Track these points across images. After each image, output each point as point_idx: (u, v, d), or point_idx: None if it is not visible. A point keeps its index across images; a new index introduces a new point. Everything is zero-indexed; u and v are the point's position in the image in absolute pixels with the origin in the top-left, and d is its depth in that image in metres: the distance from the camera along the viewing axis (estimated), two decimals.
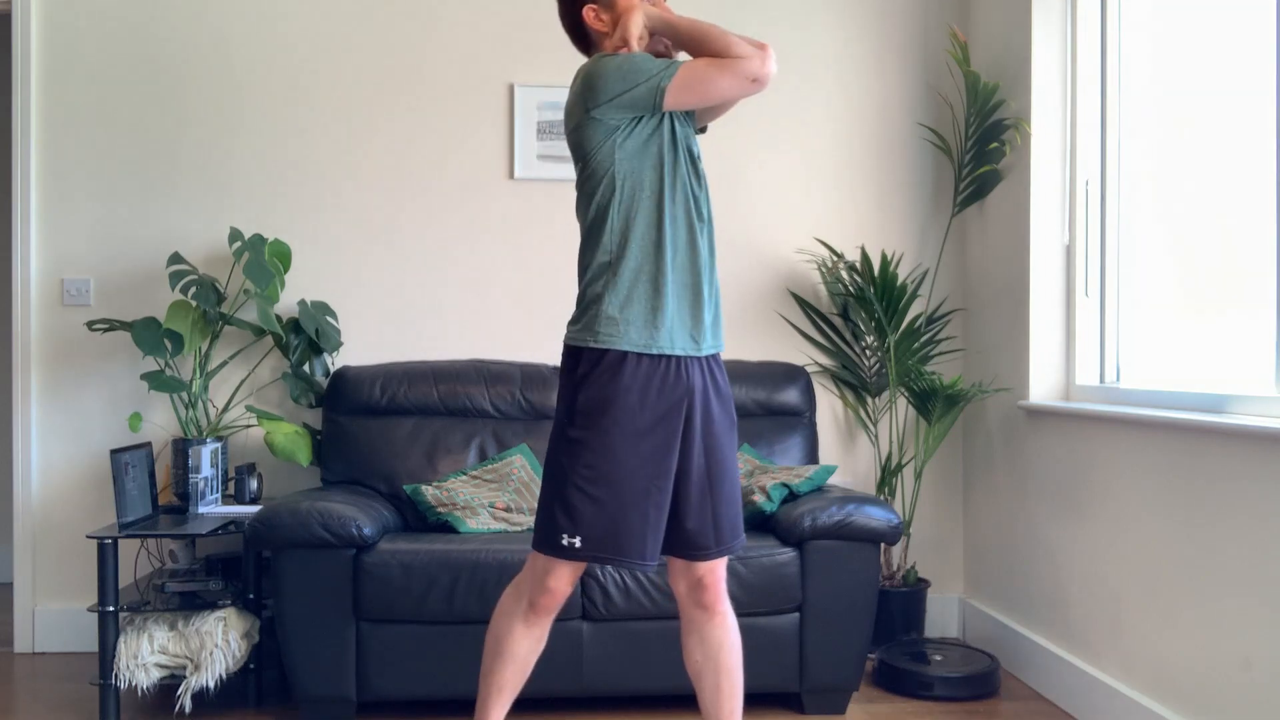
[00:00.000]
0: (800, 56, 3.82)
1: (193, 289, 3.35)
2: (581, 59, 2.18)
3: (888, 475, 3.65)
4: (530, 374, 3.56)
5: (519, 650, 2.22)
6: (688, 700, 3.07)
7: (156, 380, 3.32)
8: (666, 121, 2.12)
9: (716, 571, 2.22)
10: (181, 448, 3.36)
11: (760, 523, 3.15)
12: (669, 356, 2.11)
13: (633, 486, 2.08)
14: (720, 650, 2.25)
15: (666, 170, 2.12)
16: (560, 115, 3.69)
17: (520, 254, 3.73)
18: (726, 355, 3.78)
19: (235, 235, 3.44)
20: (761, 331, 3.82)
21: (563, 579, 2.16)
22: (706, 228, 2.17)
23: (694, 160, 2.17)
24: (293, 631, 2.86)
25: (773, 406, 3.57)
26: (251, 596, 3.05)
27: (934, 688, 3.17)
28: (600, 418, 2.08)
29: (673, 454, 2.12)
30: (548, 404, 3.50)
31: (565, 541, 2.10)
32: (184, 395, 3.46)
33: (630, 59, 2.10)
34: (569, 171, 3.67)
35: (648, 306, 2.10)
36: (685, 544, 2.17)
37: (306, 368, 3.57)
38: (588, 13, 2.21)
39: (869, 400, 3.80)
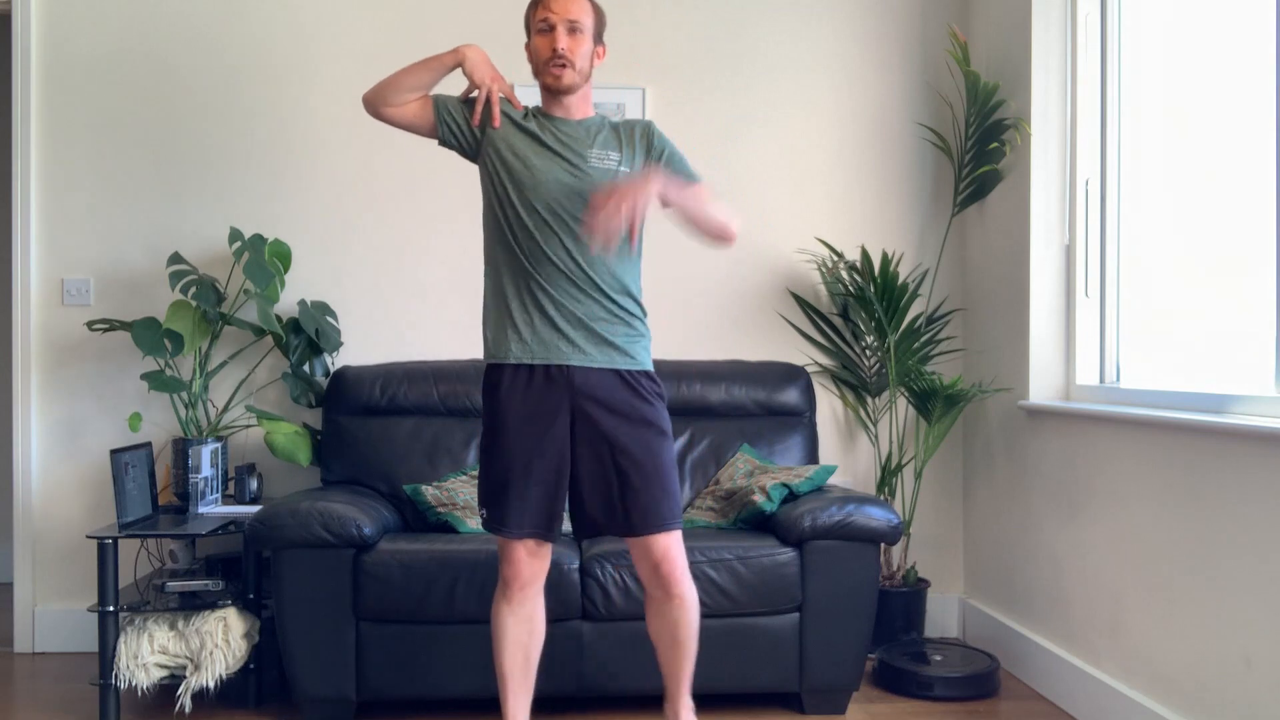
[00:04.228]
0: (800, 56, 3.82)
1: (193, 289, 3.35)
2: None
3: (888, 475, 3.65)
4: None
5: (506, 630, 2.45)
6: None
7: (156, 380, 3.32)
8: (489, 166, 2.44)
9: (671, 556, 2.39)
10: (181, 448, 3.36)
11: (760, 523, 3.15)
12: (538, 366, 2.36)
13: (509, 467, 2.36)
14: (677, 627, 2.46)
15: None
16: None
17: None
18: (726, 355, 3.77)
19: (235, 235, 3.44)
20: (761, 331, 3.81)
21: (510, 553, 2.40)
22: (564, 255, 2.36)
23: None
24: (293, 631, 2.86)
25: (773, 406, 3.57)
26: (251, 596, 3.05)
27: (934, 688, 3.17)
28: (488, 416, 2.43)
29: (546, 444, 2.35)
30: None
31: (480, 514, 2.43)
32: (184, 395, 3.46)
33: None
34: None
35: (503, 326, 2.41)
36: (599, 527, 2.40)
37: (306, 368, 3.57)
38: (599, 50, 2.47)
39: (869, 400, 3.80)
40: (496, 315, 2.41)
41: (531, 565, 2.41)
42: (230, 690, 3.10)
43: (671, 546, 2.39)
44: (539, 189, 2.36)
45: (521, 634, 2.46)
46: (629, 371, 2.40)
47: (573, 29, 2.37)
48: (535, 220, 2.36)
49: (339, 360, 3.69)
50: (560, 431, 2.36)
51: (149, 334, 3.32)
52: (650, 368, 2.45)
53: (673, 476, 2.41)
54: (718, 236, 2.43)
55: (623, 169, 2.40)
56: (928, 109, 3.86)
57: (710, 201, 2.42)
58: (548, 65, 2.38)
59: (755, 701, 3.11)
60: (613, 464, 2.35)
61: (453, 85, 2.54)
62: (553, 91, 2.42)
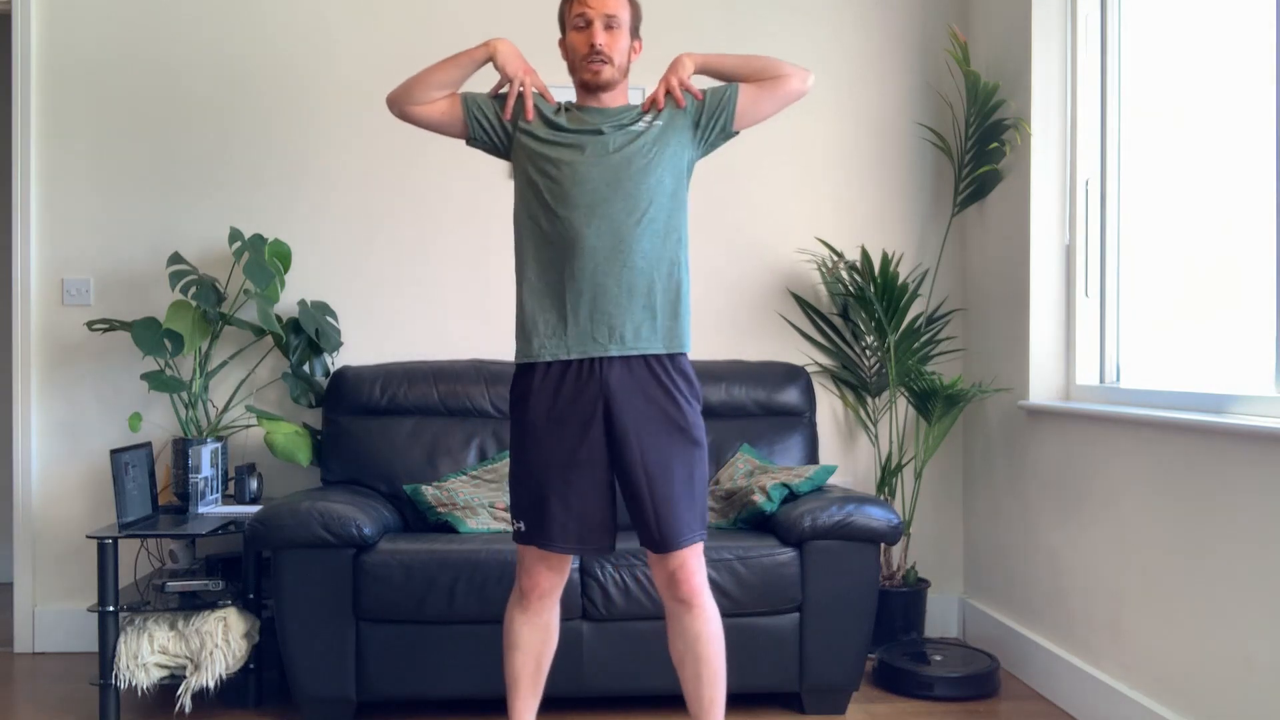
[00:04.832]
0: (800, 56, 3.81)
1: (193, 289, 3.35)
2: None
3: (888, 475, 3.65)
4: None
5: (520, 637, 2.38)
6: None
7: (156, 380, 3.32)
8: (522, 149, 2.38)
9: (688, 566, 2.30)
10: (181, 448, 3.36)
11: (760, 523, 3.15)
12: (571, 361, 2.28)
13: (545, 477, 2.27)
14: (698, 642, 2.34)
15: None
16: None
17: None
18: (727, 355, 3.77)
19: (235, 235, 3.44)
20: (761, 331, 3.81)
21: (533, 563, 2.34)
22: (598, 233, 2.27)
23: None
24: (293, 631, 2.86)
25: (773, 406, 3.57)
26: (251, 596, 3.05)
27: (934, 688, 3.17)
28: (518, 425, 2.33)
29: (584, 453, 2.26)
30: None
31: (514, 526, 2.34)
32: (184, 395, 3.46)
33: None
34: None
35: (536, 323, 2.31)
36: (639, 537, 2.30)
37: (306, 368, 3.57)
38: (636, 45, 2.43)
39: (869, 400, 3.80)
40: (530, 313, 2.31)
41: (551, 577, 2.35)
42: (230, 690, 3.10)
43: (690, 558, 2.30)
44: (574, 181, 2.28)
45: (536, 642, 2.39)
46: (660, 360, 2.29)
47: (610, 24, 2.32)
48: (571, 212, 2.27)
49: (339, 360, 3.69)
50: (596, 435, 2.26)
51: (149, 334, 3.32)
52: (687, 349, 2.35)
53: (697, 490, 2.30)
54: (774, 75, 2.38)
55: (657, 123, 2.35)
56: (928, 109, 3.86)
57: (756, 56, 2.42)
58: (585, 61, 2.33)
59: (755, 701, 3.11)
60: (642, 475, 2.25)
61: (477, 84, 2.52)
62: (590, 88, 2.36)
